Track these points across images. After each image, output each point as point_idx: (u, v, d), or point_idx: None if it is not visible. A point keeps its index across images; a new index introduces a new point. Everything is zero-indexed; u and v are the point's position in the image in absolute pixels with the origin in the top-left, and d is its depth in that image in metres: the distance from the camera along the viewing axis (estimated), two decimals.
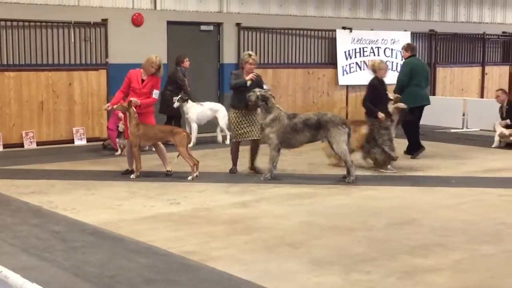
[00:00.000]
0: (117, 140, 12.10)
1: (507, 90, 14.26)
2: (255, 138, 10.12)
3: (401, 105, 11.11)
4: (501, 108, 13.52)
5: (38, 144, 13.20)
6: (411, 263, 5.91)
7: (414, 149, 11.89)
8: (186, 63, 13.44)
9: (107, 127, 12.80)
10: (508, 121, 13.05)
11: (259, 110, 9.89)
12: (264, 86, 10.55)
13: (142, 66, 10.12)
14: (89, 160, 11.63)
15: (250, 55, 10.17)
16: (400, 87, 11.83)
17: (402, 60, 13.19)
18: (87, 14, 13.71)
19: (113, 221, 7.35)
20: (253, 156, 10.26)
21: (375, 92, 10.19)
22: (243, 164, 10.32)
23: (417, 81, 11.87)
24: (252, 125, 10.07)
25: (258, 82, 10.21)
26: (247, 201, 8.41)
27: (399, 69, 13.62)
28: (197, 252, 6.20)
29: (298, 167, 10.89)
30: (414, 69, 11.94)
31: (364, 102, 10.31)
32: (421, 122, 12.13)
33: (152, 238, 6.65)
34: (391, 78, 12.13)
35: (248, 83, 10.03)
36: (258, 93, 9.71)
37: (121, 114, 11.69)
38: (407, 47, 12.50)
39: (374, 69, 10.42)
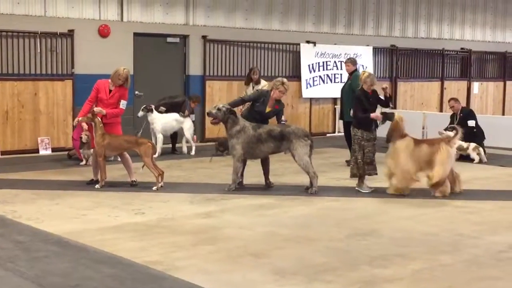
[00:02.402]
0: (80, 150, 12.07)
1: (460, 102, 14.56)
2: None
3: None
4: (453, 116, 13.80)
5: (2, 153, 13.11)
6: (371, 273, 5.99)
7: None
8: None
9: (72, 137, 12.76)
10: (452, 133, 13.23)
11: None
12: (283, 118, 10.58)
13: (110, 78, 10.13)
14: (53, 170, 11.57)
15: (282, 83, 10.19)
16: None
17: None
18: (54, 24, 13.69)
19: (77, 231, 7.33)
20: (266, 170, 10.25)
21: (359, 104, 10.06)
22: (210, 175, 10.34)
23: None
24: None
25: (277, 112, 10.28)
26: (212, 212, 8.44)
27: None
28: (161, 262, 6.22)
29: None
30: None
31: (354, 114, 10.22)
32: (381, 134, 12.29)
33: (116, 248, 6.65)
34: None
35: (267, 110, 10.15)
36: (223, 109, 9.77)
37: (84, 125, 11.67)
38: (352, 61, 12.77)
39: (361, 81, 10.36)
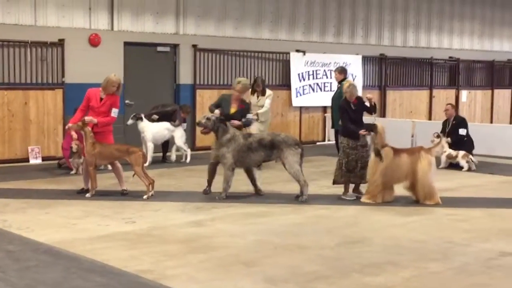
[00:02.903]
0: (70, 160, 12.05)
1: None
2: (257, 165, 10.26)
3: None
4: (446, 122, 13.88)
5: None
6: (362, 281, 6.01)
7: None
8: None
9: (62, 146, 12.74)
10: (449, 139, 13.37)
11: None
12: (249, 115, 10.66)
13: (102, 86, 10.09)
14: (44, 179, 11.55)
15: (238, 82, 10.32)
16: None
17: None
18: (44, 34, 13.69)
19: (68, 240, 7.32)
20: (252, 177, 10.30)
21: (345, 114, 10.18)
22: (201, 183, 10.37)
23: None
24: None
25: (243, 111, 10.38)
26: (202, 220, 8.45)
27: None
28: (152, 270, 6.23)
29: (252, 186, 10.97)
30: None
31: (343, 124, 10.29)
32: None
33: (107, 257, 6.65)
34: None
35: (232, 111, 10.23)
36: (213, 118, 9.81)
37: (74, 134, 11.68)
38: (341, 70, 12.97)
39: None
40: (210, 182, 10.21)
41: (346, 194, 10.10)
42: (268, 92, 13.46)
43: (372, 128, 9.84)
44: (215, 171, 10.17)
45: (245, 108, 10.53)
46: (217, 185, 10.18)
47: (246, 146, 9.76)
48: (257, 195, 10.15)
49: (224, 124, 9.84)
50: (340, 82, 12.86)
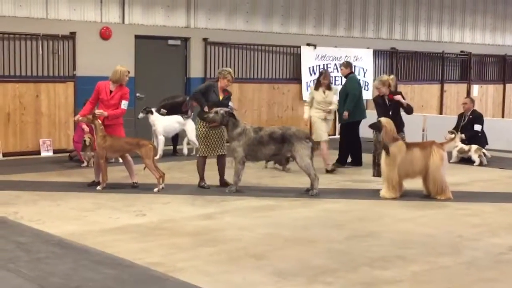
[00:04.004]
0: (82, 153, 12.12)
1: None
2: (223, 153, 10.25)
3: None
4: (462, 116, 13.83)
5: (4, 155, 13.16)
6: (371, 275, 6.03)
7: (342, 161, 12.52)
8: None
9: (73, 139, 12.81)
10: (463, 135, 13.34)
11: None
12: (230, 104, 10.69)
13: (114, 79, 10.09)
14: (55, 172, 11.62)
15: (229, 72, 10.33)
16: (354, 102, 12.31)
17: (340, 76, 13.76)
18: (56, 27, 13.75)
19: (78, 232, 7.37)
20: (222, 171, 10.37)
21: (376, 108, 11.14)
22: (210, 177, 10.39)
23: (361, 96, 12.71)
24: (220, 139, 10.18)
25: (229, 98, 10.45)
26: (212, 213, 8.49)
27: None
28: (162, 263, 6.26)
29: (262, 180, 11.02)
30: (359, 85, 12.82)
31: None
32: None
33: (117, 250, 6.69)
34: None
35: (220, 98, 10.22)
36: (222, 112, 9.81)
37: (85, 127, 11.74)
38: (347, 64, 12.94)
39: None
40: (203, 176, 10.30)
41: None
42: (334, 87, 12.74)
43: (376, 126, 9.90)
44: (204, 165, 10.27)
45: (229, 95, 10.59)
46: (226, 178, 10.24)
47: (257, 140, 9.77)
48: (221, 186, 10.22)
49: (234, 118, 9.86)
50: (346, 76, 12.82)
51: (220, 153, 10.24)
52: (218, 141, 10.16)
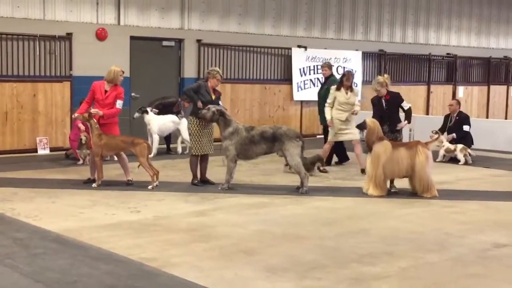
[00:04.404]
0: (78, 151, 12.23)
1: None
2: (210, 152, 10.41)
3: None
4: (448, 117, 13.97)
5: (1, 153, 13.22)
6: (360, 271, 6.12)
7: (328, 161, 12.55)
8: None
9: (69, 138, 12.90)
10: (454, 135, 13.54)
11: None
12: (220, 103, 10.82)
13: (108, 79, 10.20)
14: (51, 169, 11.68)
15: (218, 72, 10.45)
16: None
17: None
18: (52, 28, 13.84)
19: (74, 229, 7.43)
20: (205, 168, 10.49)
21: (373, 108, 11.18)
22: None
23: None
24: (210, 138, 10.33)
25: (219, 98, 10.59)
26: (205, 210, 8.57)
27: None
28: (157, 259, 6.33)
29: (254, 177, 11.12)
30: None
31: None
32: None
33: (112, 245, 6.75)
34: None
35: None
36: (213, 109, 9.93)
37: (81, 126, 11.85)
38: (329, 66, 12.87)
39: None
40: (196, 174, 10.41)
41: (391, 185, 10.26)
42: (356, 88, 12.45)
43: (362, 126, 10.06)
44: (198, 163, 10.37)
45: (220, 94, 10.73)
46: (219, 175, 10.35)
47: (248, 138, 9.89)
48: (204, 184, 10.32)
49: (224, 117, 9.98)
50: (327, 78, 12.81)
51: (208, 152, 10.39)
52: (208, 140, 10.30)
